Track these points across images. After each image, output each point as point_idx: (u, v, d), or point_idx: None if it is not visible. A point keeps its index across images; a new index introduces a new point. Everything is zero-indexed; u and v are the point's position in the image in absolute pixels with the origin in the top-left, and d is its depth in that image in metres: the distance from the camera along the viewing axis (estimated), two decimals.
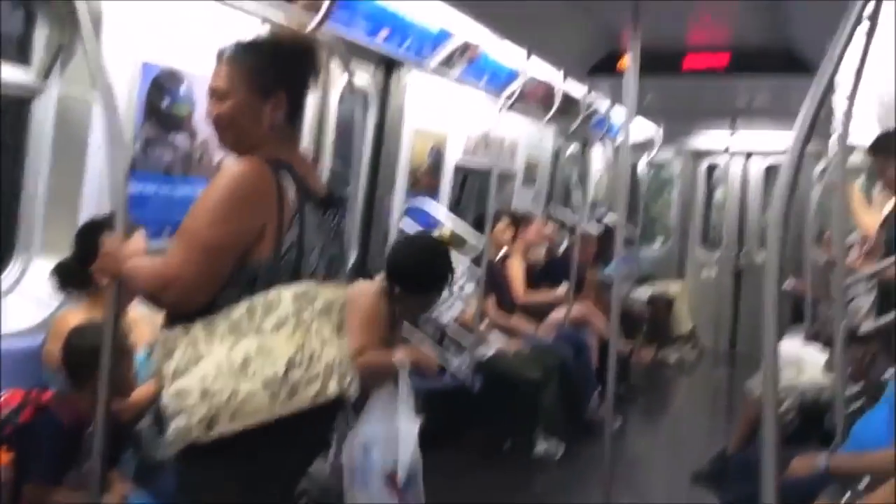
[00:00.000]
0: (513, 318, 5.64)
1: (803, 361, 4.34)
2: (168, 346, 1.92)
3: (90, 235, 2.67)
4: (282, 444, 1.92)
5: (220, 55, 2.05)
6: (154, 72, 3.20)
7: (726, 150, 8.97)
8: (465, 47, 4.89)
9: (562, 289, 6.02)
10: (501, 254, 5.78)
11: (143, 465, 2.70)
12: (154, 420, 2.61)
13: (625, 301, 6.25)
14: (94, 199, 3.01)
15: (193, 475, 1.96)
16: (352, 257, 4.90)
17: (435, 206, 5.40)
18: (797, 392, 4.09)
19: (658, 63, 5.05)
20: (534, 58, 5.11)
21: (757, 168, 9.23)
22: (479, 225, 5.35)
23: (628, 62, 3.36)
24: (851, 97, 2.78)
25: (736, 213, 9.31)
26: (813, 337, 4.95)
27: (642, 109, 5.93)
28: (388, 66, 4.79)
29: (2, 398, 2.50)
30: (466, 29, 4.64)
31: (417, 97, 4.98)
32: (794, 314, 6.61)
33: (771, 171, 9.04)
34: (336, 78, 4.16)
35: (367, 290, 3.30)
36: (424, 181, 5.49)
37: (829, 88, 1.39)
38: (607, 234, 6.81)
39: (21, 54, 2.97)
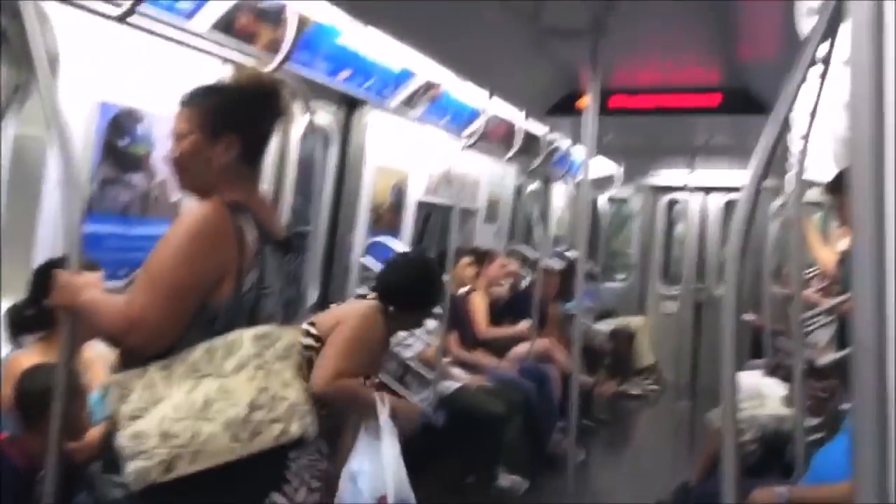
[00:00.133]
0: (475, 354, 5.64)
1: (764, 394, 4.38)
2: (124, 388, 1.90)
3: (46, 276, 2.62)
4: (238, 481, 1.90)
5: (182, 98, 2.08)
6: (112, 111, 3.17)
7: (685, 187, 9.11)
8: (428, 86, 4.93)
9: (524, 324, 6.04)
10: (464, 290, 5.79)
11: None
12: (107, 462, 2.56)
13: (587, 335, 6.27)
14: (49, 239, 2.97)
15: None
16: (313, 294, 4.87)
17: (397, 243, 5.40)
18: (758, 424, 4.13)
19: (617, 102, 5.15)
20: (495, 97, 5.17)
21: (716, 204, 9.36)
22: (441, 262, 5.36)
23: (587, 101, 3.41)
24: (806, 136, 2.83)
25: (696, 247, 9.42)
26: (772, 370, 5.00)
27: (602, 147, 6.01)
28: (350, 105, 4.81)
29: None
30: (428, 68, 4.68)
31: (379, 135, 5.00)
32: (754, 348, 6.68)
33: (730, 207, 9.17)
34: (297, 117, 4.17)
35: (359, 309, 3.28)
36: (386, 218, 5.49)
37: (785, 127, 1.42)
38: (569, 270, 6.85)
39: None
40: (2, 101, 2.88)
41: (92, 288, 2.10)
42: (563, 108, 5.44)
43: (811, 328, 4.36)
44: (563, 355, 6.05)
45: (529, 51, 4.30)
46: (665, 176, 9.41)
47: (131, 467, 1.84)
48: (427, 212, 6.36)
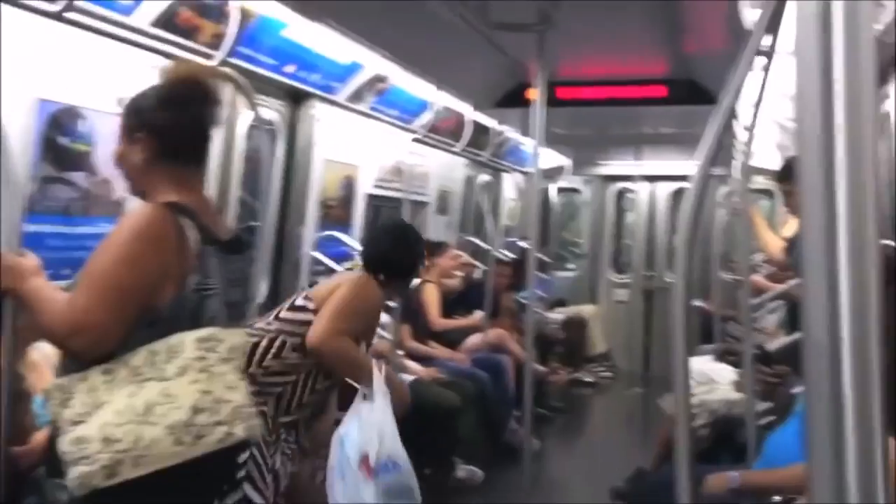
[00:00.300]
0: (429, 346, 5.64)
1: (714, 379, 4.44)
2: (65, 392, 1.87)
3: None
4: (186, 485, 1.89)
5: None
6: (51, 108, 3.09)
7: (633, 177, 9.20)
8: (376, 79, 4.89)
9: (477, 315, 6.05)
10: (416, 282, 5.78)
11: None
12: (52, 466, 2.53)
13: (539, 325, 6.31)
14: None
15: None
16: (263, 289, 4.82)
17: (347, 237, 5.37)
18: (709, 409, 4.18)
19: (565, 94, 5.17)
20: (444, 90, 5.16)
21: (663, 192, 9.48)
22: None
23: (535, 93, 3.42)
24: (751, 126, 2.87)
25: (645, 236, 9.53)
26: (722, 355, 5.07)
27: (551, 138, 6.05)
28: (297, 99, 4.76)
29: None
30: (376, 61, 4.65)
31: (327, 129, 4.96)
32: (704, 333, 6.78)
33: (677, 195, 9.30)
34: (241, 112, 4.11)
35: (354, 276, 3.32)
36: (337, 212, 5.45)
37: (731, 117, 1.43)
38: (521, 260, 6.88)
39: None
40: None
41: (38, 276, 2.04)
42: (511, 100, 5.46)
43: (758, 314, 4.43)
44: (517, 345, 6.08)
45: (477, 44, 4.30)
46: (614, 166, 9.50)
47: (74, 473, 1.82)
48: (377, 205, 6.33)
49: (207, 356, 1.91)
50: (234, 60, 3.62)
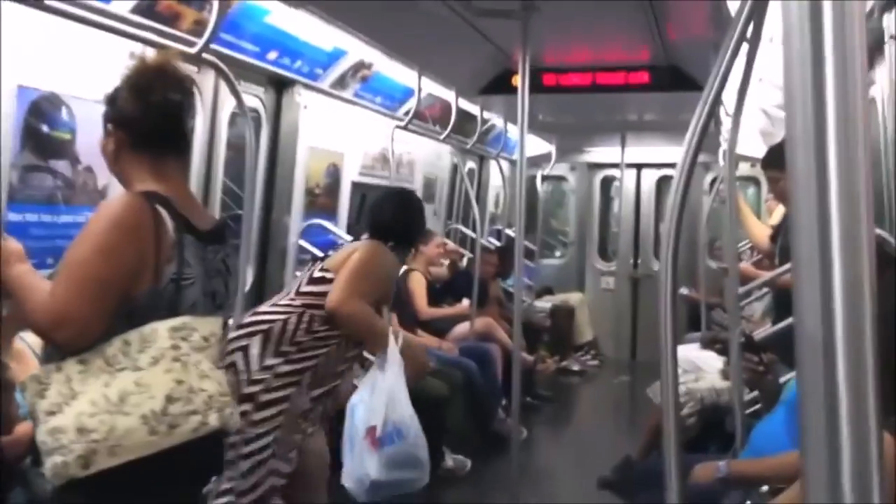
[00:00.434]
0: (416, 335, 5.62)
1: (701, 367, 4.45)
2: (41, 383, 1.88)
3: None
4: (166, 475, 1.90)
5: None
6: (32, 96, 3.05)
7: (619, 164, 9.20)
8: (360, 66, 4.86)
9: (464, 303, 6.04)
10: (403, 270, 5.75)
11: (31, 502, 2.57)
12: (37, 457, 2.52)
13: (527, 313, 6.31)
14: None
15: None
16: (249, 278, 4.79)
17: (333, 225, 5.34)
18: (696, 397, 4.19)
19: (550, 81, 5.15)
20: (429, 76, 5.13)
21: (649, 180, 9.47)
22: None
23: (519, 80, 3.40)
24: (736, 113, 2.86)
25: (631, 223, 9.53)
26: (709, 343, 5.09)
27: (536, 125, 6.02)
28: (281, 86, 4.72)
29: None
30: (360, 48, 4.61)
31: (312, 116, 4.92)
32: (691, 321, 6.80)
33: (662, 183, 9.30)
34: (224, 100, 4.08)
35: (366, 243, 3.33)
36: (322, 200, 5.42)
37: (716, 104, 1.42)
38: (507, 248, 6.87)
39: None
40: None
41: (22, 262, 2.02)
42: (496, 86, 5.44)
43: (745, 301, 4.44)
44: (504, 333, 6.08)
45: (462, 31, 4.27)
46: (599, 153, 9.49)
47: (49, 463, 1.83)
48: (363, 192, 6.30)
49: (181, 345, 1.91)
50: (216, 47, 3.58)
